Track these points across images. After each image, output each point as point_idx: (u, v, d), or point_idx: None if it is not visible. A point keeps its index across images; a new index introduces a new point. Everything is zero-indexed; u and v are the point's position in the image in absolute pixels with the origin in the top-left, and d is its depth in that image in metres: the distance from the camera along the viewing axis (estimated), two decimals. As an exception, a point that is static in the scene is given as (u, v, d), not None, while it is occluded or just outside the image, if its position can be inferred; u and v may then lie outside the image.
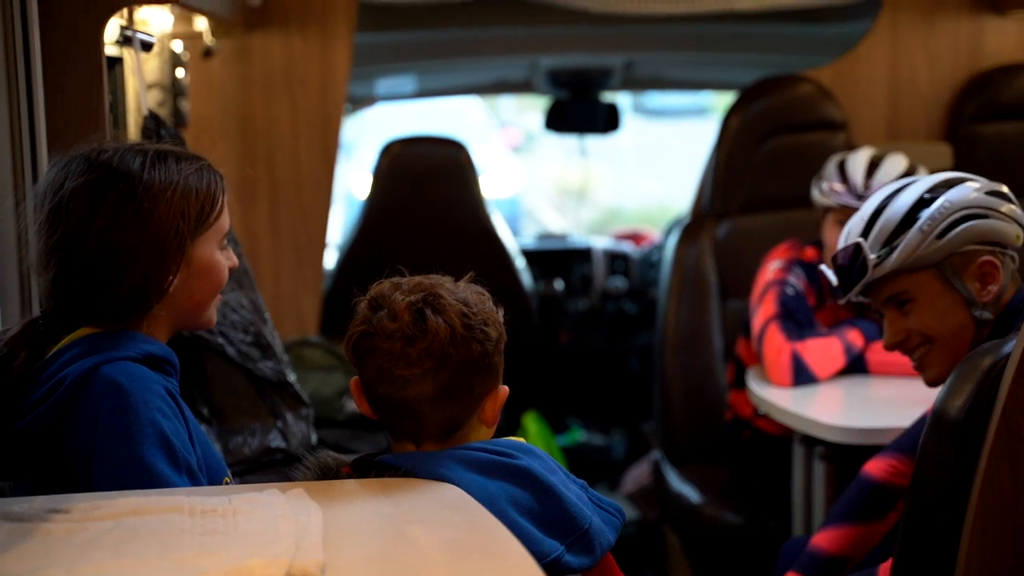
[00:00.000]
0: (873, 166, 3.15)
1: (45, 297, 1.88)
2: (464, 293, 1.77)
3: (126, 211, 1.81)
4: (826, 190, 3.18)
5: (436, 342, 1.71)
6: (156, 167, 1.85)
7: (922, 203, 2.21)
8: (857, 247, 2.24)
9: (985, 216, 2.17)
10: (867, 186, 3.11)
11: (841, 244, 2.28)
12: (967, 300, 2.18)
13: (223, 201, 1.91)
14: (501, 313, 1.81)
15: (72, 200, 1.81)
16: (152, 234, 1.81)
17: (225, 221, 1.92)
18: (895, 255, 2.20)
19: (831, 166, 3.21)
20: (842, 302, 2.34)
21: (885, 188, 2.30)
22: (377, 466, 1.71)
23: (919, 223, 2.18)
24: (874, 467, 2.47)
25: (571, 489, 1.74)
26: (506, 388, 1.80)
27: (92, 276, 1.81)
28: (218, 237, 1.90)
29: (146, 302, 1.83)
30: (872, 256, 2.22)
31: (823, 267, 2.41)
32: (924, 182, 2.25)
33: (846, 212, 3.13)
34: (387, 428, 1.80)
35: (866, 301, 2.33)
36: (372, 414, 1.79)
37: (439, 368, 1.71)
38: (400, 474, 1.68)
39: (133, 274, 1.81)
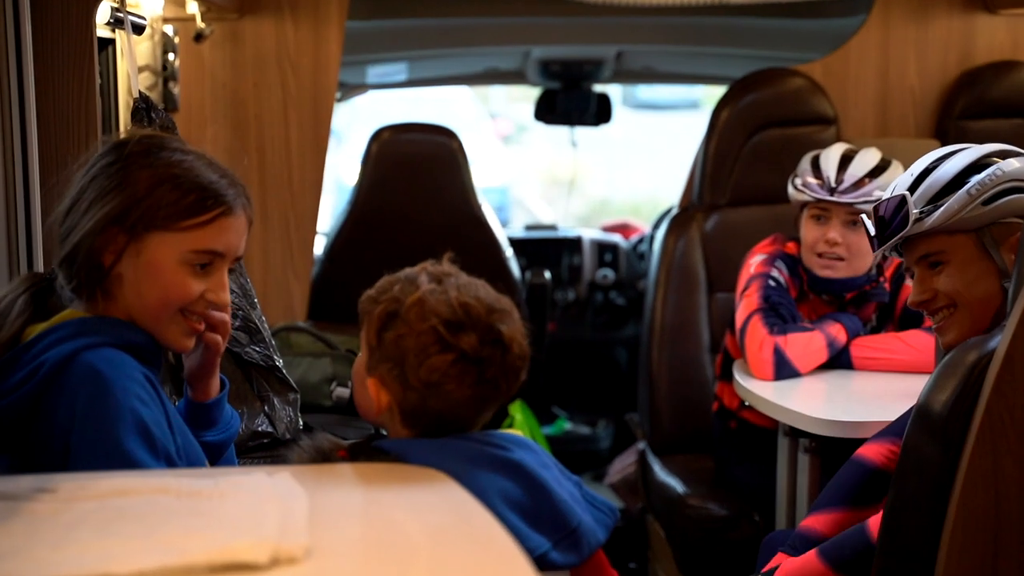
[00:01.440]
0: (846, 160, 3.17)
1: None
2: (505, 298, 1.77)
3: (105, 173, 1.82)
4: (800, 185, 3.20)
5: (526, 367, 1.75)
6: (163, 154, 1.84)
7: (974, 168, 2.22)
8: (902, 200, 2.25)
9: None
10: (840, 180, 3.13)
11: (887, 196, 2.29)
12: (1000, 271, 2.18)
13: (211, 219, 1.83)
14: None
15: (89, 165, 1.86)
16: (109, 200, 1.80)
17: (205, 239, 1.83)
18: (938, 213, 2.20)
19: (805, 162, 3.24)
20: (877, 254, 2.35)
21: (937, 150, 2.31)
22: (372, 451, 1.71)
23: (968, 186, 2.19)
24: (871, 451, 2.46)
25: (563, 486, 1.73)
26: None
27: (61, 226, 1.83)
28: (185, 247, 1.82)
29: (90, 269, 1.81)
30: (915, 211, 2.23)
31: (864, 217, 2.40)
32: (979, 149, 2.26)
33: (821, 207, 3.15)
34: (409, 425, 1.77)
35: (896, 259, 2.33)
36: (386, 411, 1.77)
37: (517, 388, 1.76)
38: (392, 461, 1.68)
39: (80, 230, 1.80)
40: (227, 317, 1.97)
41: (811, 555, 2.24)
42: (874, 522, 2.15)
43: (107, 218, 1.80)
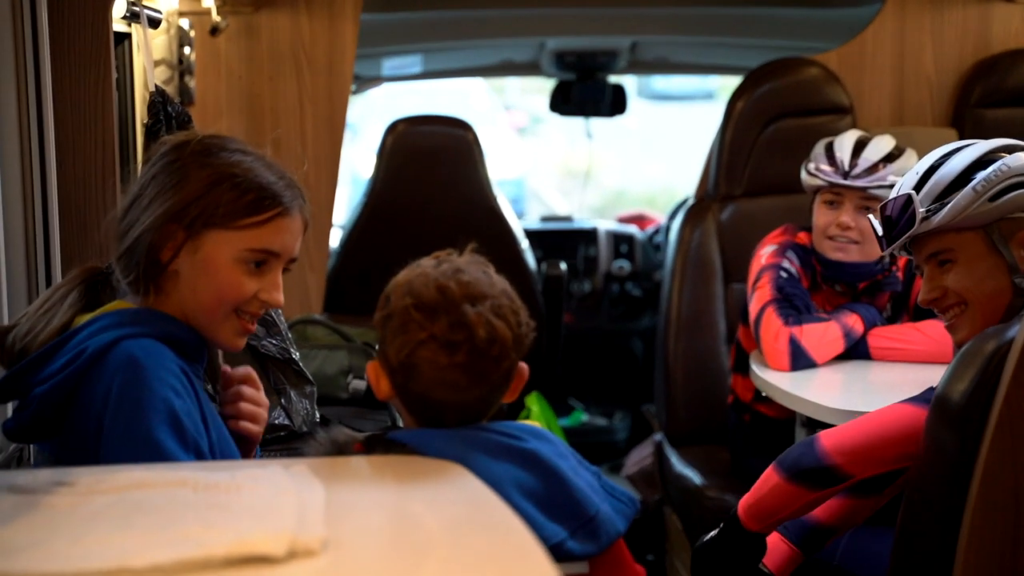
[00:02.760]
0: (860, 146, 3.16)
1: None
2: (498, 282, 1.75)
3: (165, 171, 1.84)
4: (813, 170, 3.20)
5: (504, 350, 1.70)
6: (223, 154, 1.86)
7: (979, 164, 2.21)
8: (908, 199, 2.24)
9: None
10: (854, 165, 3.12)
11: (892, 196, 2.29)
12: (1010, 266, 2.17)
13: (268, 219, 1.85)
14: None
15: (155, 157, 1.88)
16: (168, 198, 1.82)
17: (261, 238, 1.84)
18: (945, 211, 2.20)
19: (819, 148, 3.23)
20: (885, 254, 2.34)
21: (942, 148, 2.30)
22: (388, 443, 1.71)
23: (974, 183, 2.19)
24: None
25: (581, 475, 1.73)
26: (526, 366, 1.79)
27: (120, 221, 1.86)
28: (242, 245, 1.84)
29: (148, 264, 1.84)
30: (922, 210, 2.22)
31: (870, 216, 2.39)
32: (984, 144, 2.26)
33: (834, 192, 3.15)
34: (414, 414, 1.78)
35: (905, 257, 2.32)
36: (391, 398, 1.76)
37: (498, 372, 1.71)
38: (407, 452, 1.68)
39: (140, 227, 1.83)
40: (263, 412, 2.00)
41: (769, 468, 2.24)
42: (824, 435, 2.16)
43: (166, 215, 1.82)
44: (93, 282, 1.92)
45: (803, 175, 3.24)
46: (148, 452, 1.69)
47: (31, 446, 2.11)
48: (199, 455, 1.75)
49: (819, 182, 3.17)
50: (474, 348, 1.68)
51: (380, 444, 1.72)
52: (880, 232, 2.32)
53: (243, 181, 1.84)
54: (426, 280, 1.71)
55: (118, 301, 1.88)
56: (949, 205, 2.20)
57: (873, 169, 3.11)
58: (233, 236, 1.84)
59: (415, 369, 1.70)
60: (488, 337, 1.68)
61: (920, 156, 2.39)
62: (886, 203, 2.29)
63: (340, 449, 1.74)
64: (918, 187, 2.25)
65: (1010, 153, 2.22)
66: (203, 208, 1.82)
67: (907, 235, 2.24)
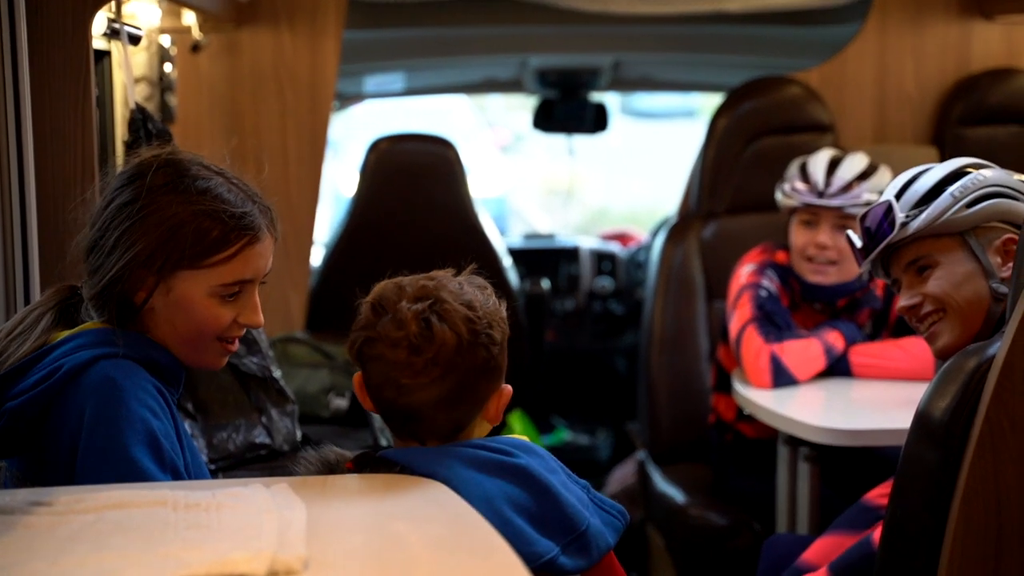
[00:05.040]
0: (833, 165, 3.19)
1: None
2: (468, 294, 1.74)
3: (129, 208, 1.82)
4: (788, 191, 3.21)
5: (443, 352, 1.68)
6: (186, 183, 1.83)
7: (954, 175, 2.28)
8: (888, 206, 2.29)
9: (1015, 198, 2.23)
10: (828, 183, 3.14)
11: (871, 207, 2.33)
12: (987, 271, 2.22)
13: (236, 252, 1.84)
14: (504, 307, 1.80)
15: (112, 183, 1.86)
16: (134, 241, 1.81)
17: (232, 272, 1.84)
18: (924, 216, 2.25)
19: (793, 168, 3.26)
20: (863, 267, 2.36)
21: (918, 167, 2.35)
22: (377, 462, 1.71)
23: (951, 189, 2.25)
24: (874, 494, 2.47)
25: (571, 490, 1.73)
26: (509, 387, 1.78)
27: (89, 258, 1.85)
28: (213, 282, 1.83)
29: (124, 307, 1.83)
30: (901, 215, 2.26)
31: (848, 232, 2.43)
32: (956, 160, 2.33)
33: (809, 212, 3.16)
34: (390, 427, 1.79)
35: (880, 278, 2.35)
36: (375, 410, 1.77)
37: (445, 376, 1.69)
38: (397, 470, 1.67)
39: (108, 270, 1.82)
40: None
41: (821, 572, 2.25)
42: (879, 534, 2.15)
43: (133, 263, 1.81)
44: (67, 304, 1.90)
45: (778, 196, 3.26)
46: (125, 471, 1.68)
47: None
48: (176, 475, 1.75)
49: (794, 203, 3.19)
50: (411, 346, 1.68)
51: (370, 462, 1.71)
52: (859, 244, 2.34)
53: (205, 218, 1.82)
54: (395, 283, 1.75)
55: (95, 321, 1.86)
56: (928, 210, 2.25)
57: (848, 188, 3.12)
58: (203, 274, 1.83)
59: (366, 366, 1.72)
60: (421, 334, 1.68)
61: (899, 174, 2.41)
62: (865, 213, 2.33)
63: (331, 468, 1.75)
64: (898, 196, 2.30)
65: (978, 169, 2.29)
66: (169, 253, 1.81)
67: (887, 240, 2.27)
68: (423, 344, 1.68)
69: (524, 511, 1.66)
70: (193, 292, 1.83)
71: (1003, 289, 2.19)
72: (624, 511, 1.80)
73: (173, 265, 1.81)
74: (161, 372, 1.83)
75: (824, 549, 2.42)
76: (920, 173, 2.33)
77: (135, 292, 1.82)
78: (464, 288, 1.75)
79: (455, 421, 1.74)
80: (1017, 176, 2.27)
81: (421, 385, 1.69)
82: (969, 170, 2.28)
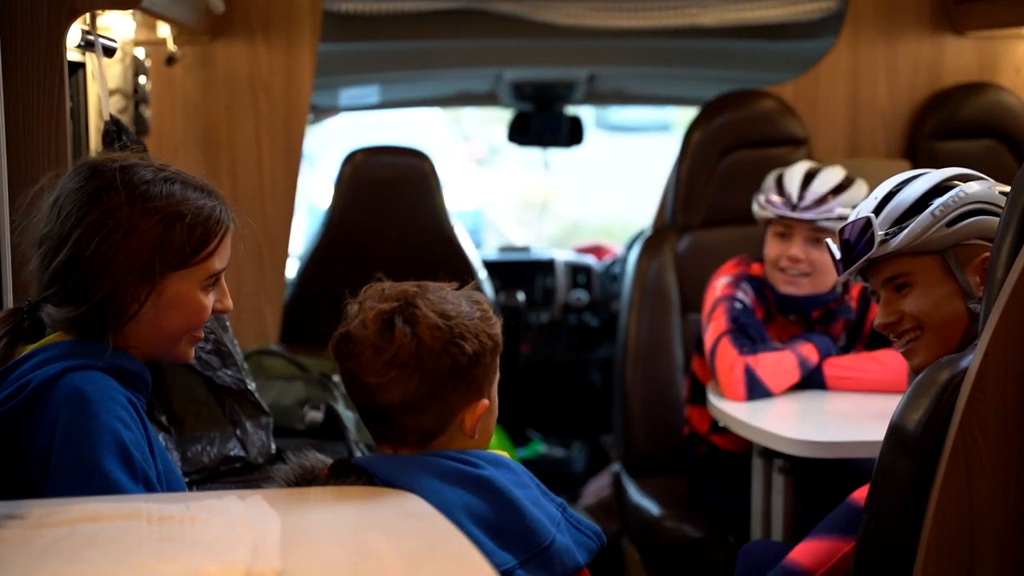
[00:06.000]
0: (809, 178, 3.20)
1: (34, 288, 1.89)
2: (449, 304, 1.75)
3: (106, 224, 1.81)
4: (763, 202, 3.23)
5: (401, 353, 1.70)
6: (154, 189, 1.84)
7: (937, 190, 2.24)
8: (867, 222, 2.26)
9: (996, 214, 2.18)
10: (802, 196, 3.16)
11: (851, 219, 2.30)
12: (965, 291, 2.20)
13: (217, 244, 1.88)
14: (498, 325, 1.81)
15: (67, 200, 1.83)
16: (124, 256, 1.81)
17: (215, 263, 1.88)
18: (903, 235, 2.22)
19: (769, 179, 3.27)
20: (842, 279, 2.35)
21: (899, 175, 2.32)
22: (350, 468, 1.71)
23: (932, 207, 2.21)
24: (861, 494, 2.46)
25: (540, 506, 1.72)
26: (485, 402, 1.79)
27: (65, 279, 1.82)
28: (202, 276, 1.87)
29: (111, 320, 1.82)
30: (880, 232, 2.24)
31: (828, 241, 2.41)
32: (940, 172, 2.28)
33: (783, 224, 3.18)
34: (368, 430, 1.82)
35: (860, 283, 2.33)
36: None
37: (405, 378, 1.71)
38: (365, 478, 1.68)
39: (98, 289, 1.81)
40: None
41: None
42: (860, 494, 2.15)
43: (129, 277, 1.81)
44: (18, 328, 1.88)
45: (754, 207, 3.28)
46: (97, 483, 1.67)
47: None
48: (148, 486, 1.74)
49: (768, 214, 3.21)
50: (372, 345, 1.72)
51: (345, 469, 1.72)
52: (838, 256, 2.33)
53: (186, 217, 1.84)
54: (380, 285, 1.79)
55: (60, 333, 1.85)
56: (907, 229, 2.22)
57: (822, 201, 3.14)
58: (191, 272, 1.87)
59: (340, 364, 1.77)
60: (380, 334, 1.71)
61: (873, 187, 2.41)
62: (844, 226, 2.30)
63: (308, 472, 1.76)
64: (877, 211, 2.27)
65: (965, 181, 2.25)
66: (163, 258, 1.83)
67: (865, 258, 2.26)
68: (382, 344, 1.71)
69: (482, 522, 1.66)
70: (185, 289, 1.86)
71: (979, 309, 2.18)
72: (600, 532, 1.80)
73: (167, 269, 1.84)
74: (128, 379, 1.83)
75: (816, 552, 2.39)
76: (901, 185, 2.29)
77: (128, 304, 1.83)
78: (449, 299, 1.76)
79: (423, 427, 1.75)
80: (999, 188, 2.23)
81: (382, 385, 1.72)
82: (953, 183, 2.24)
